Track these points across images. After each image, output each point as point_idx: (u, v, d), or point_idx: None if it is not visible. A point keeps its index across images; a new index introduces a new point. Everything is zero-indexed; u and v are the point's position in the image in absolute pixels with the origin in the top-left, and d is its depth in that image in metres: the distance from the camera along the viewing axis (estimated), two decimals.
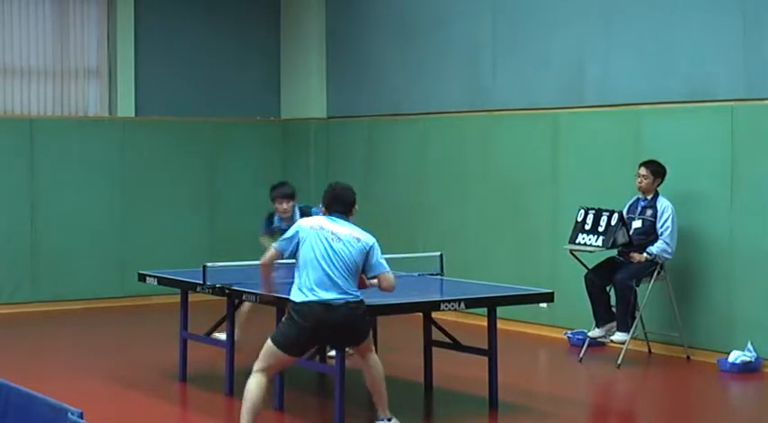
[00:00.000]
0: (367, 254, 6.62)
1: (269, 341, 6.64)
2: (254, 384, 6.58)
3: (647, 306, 9.42)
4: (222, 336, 9.86)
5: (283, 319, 6.75)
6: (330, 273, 6.51)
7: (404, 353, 9.41)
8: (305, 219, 6.92)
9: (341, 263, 6.54)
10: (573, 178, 10.50)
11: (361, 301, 6.64)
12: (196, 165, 13.24)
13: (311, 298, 6.50)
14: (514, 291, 8.25)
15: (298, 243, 6.62)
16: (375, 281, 6.73)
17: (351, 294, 6.57)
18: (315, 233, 6.59)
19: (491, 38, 11.35)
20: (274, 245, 6.78)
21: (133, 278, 9.34)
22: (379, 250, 6.68)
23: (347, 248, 6.57)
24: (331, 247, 6.55)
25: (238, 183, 13.43)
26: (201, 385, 8.47)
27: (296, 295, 6.57)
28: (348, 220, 6.76)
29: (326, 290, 6.51)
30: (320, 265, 6.51)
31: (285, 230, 9.50)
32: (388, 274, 6.70)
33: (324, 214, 6.81)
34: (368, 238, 6.67)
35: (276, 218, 9.48)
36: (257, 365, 6.66)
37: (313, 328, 6.53)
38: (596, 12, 10.34)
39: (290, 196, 9.39)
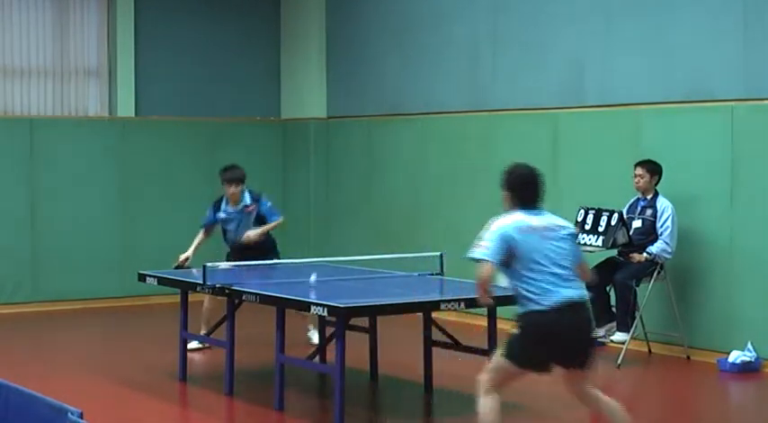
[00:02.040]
0: (574, 242, 6.03)
1: (499, 358, 5.95)
2: (490, 406, 5.89)
3: (647, 306, 9.42)
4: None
5: (514, 333, 5.91)
6: (561, 272, 5.84)
7: (404, 353, 9.41)
8: (503, 219, 5.94)
9: (566, 259, 5.89)
10: (573, 178, 10.49)
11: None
12: (196, 165, 13.23)
13: (550, 301, 5.78)
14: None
15: (508, 249, 5.81)
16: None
17: (585, 294, 5.94)
18: (527, 235, 5.84)
19: (491, 38, 11.35)
20: (484, 256, 5.79)
21: (133, 278, 9.33)
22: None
23: (564, 242, 5.92)
24: (550, 244, 5.87)
25: None
26: (201, 385, 8.47)
27: (527, 304, 5.83)
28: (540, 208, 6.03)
29: (565, 288, 5.82)
30: (548, 266, 5.82)
31: (230, 215, 9.69)
32: (586, 264, 6.17)
33: (512, 207, 6.01)
34: (568, 224, 6.09)
35: (224, 202, 9.78)
36: (487, 384, 5.95)
37: (554, 334, 5.81)
38: (596, 12, 10.34)
39: (240, 180, 9.74)
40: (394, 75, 12.54)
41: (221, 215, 9.83)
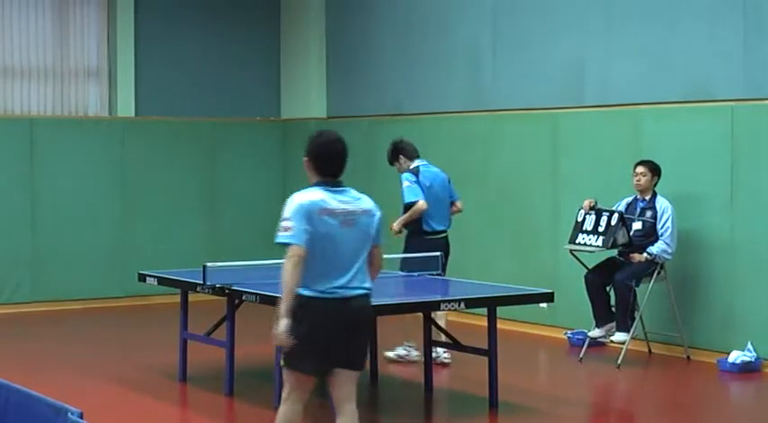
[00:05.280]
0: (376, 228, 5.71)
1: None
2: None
3: (647, 306, 9.42)
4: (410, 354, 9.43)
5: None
6: (348, 264, 5.56)
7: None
8: (302, 195, 5.61)
9: (361, 250, 5.63)
10: (573, 178, 10.49)
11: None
12: (196, 165, 13.23)
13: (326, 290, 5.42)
14: (514, 291, 8.25)
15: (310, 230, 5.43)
16: None
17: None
18: (323, 218, 5.51)
19: (491, 38, 11.35)
20: (290, 240, 5.36)
21: (133, 278, 9.34)
22: None
23: (361, 229, 5.70)
24: (346, 230, 5.59)
25: (238, 183, 13.43)
26: (201, 385, 8.47)
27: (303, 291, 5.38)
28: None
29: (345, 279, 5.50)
30: (334, 255, 5.51)
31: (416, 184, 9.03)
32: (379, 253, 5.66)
33: (312, 178, 5.71)
34: (372, 207, 5.82)
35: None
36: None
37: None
38: (596, 12, 10.34)
39: (389, 159, 9.30)
40: (394, 75, 12.54)
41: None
